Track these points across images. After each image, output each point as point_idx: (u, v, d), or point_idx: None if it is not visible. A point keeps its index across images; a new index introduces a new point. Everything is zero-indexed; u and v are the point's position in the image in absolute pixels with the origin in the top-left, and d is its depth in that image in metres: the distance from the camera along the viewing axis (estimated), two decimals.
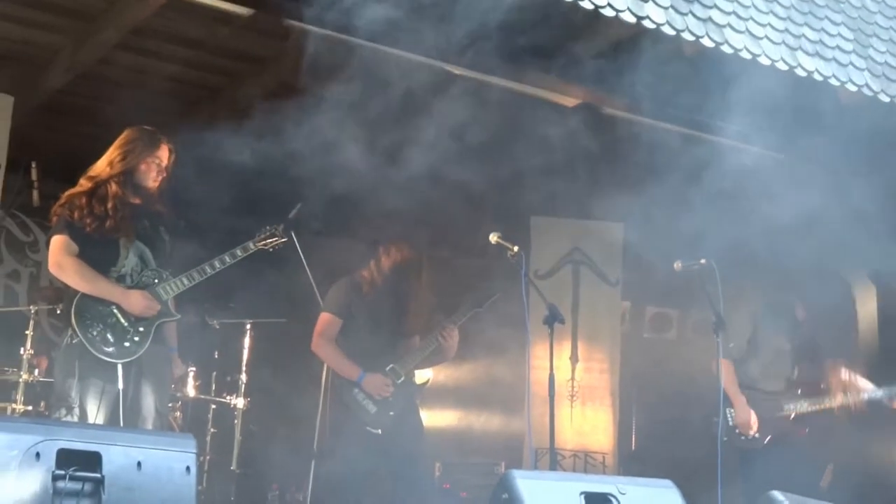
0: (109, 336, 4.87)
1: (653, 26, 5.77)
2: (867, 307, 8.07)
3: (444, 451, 8.56)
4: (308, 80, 6.25)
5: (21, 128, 7.33)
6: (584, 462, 8.71)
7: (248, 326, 7.74)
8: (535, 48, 5.98)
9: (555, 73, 6.22)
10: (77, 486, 3.11)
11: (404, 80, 5.88)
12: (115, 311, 4.89)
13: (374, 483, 5.81)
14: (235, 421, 7.54)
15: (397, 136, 6.11)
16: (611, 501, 3.73)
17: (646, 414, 9.45)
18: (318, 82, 6.10)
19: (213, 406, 7.64)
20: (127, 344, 4.90)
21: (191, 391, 7.42)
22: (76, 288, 4.89)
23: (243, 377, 7.59)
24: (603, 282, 9.23)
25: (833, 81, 6.47)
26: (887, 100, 6.64)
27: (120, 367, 4.82)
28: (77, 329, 4.81)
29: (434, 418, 9.12)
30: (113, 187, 5.02)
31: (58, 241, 4.94)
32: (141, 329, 4.95)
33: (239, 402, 7.55)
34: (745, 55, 6.12)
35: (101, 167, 5.09)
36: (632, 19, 5.68)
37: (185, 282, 5.08)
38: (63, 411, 4.76)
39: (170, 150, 5.21)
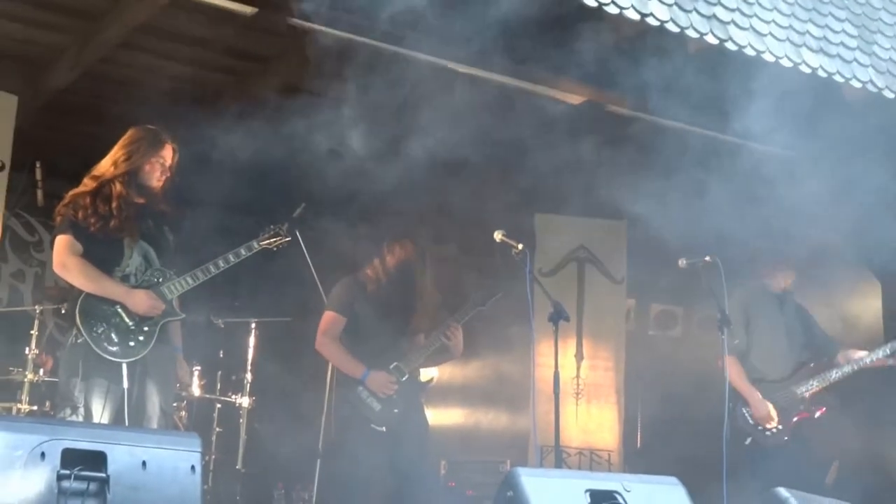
0: (114, 335, 4.87)
1: (657, 23, 5.76)
2: (871, 303, 8.06)
3: (449, 449, 8.56)
4: (312, 78, 6.27)
5: (25, 127, 7.33)
6: (590, 460, 8.71)
7: (253, 325, 7.75)
8: (540, 45, 5.97)
9: (559, 70, 6.21)
10: (82, 485, 3.11)
11: (409, 78, 5.88)
12: (120, 310, 4.90)
13: (379, 481, 5.80)
14: (241, 420, 7.54)
15: (402, 135, 6.11)
16: (616, 499, 3.73)
17: (651, 411, 9.44)
18: (323, 81, 6.10)
19: (219, 405, 7.65)
20: (132, 343, 4.90)
21: (196, 390, 7.42)
22: (81, 287, 4.89)
23: (248, 376, 7.60)
24: (608, 279, 9.23)
25: (837, 78, 6.46)
26: (892, 96, 6.63)
27: (125, 367, 4.83)
28: (82, 328, 4.82)
29: (439, 416, 9.12)
30: (117, 187, 5.02)
31: (62, 241, 4.94)
32: (145, 328, 4.95)
33: (244, 401, 7.55)
34: (750, 52, 6.11)
35: (105, 167, 5.09)
36: (636, 16, 5.67)
37: (190, 281, 5.08)
38: (68, 411, 4.76)
39: (174, 150, 5.21)
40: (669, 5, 5.85)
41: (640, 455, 9.45)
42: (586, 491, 3.71)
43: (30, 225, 8.94)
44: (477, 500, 7.98)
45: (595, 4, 5.54)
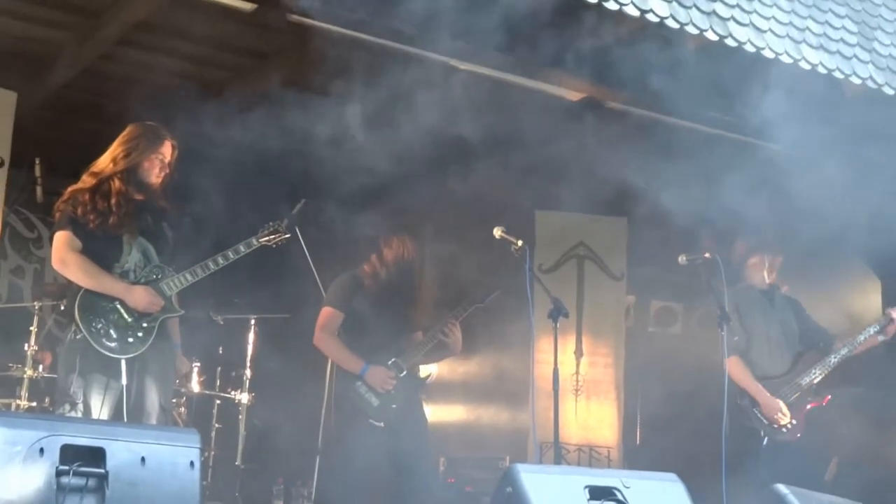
0: (113, 332, 4.86)
1: (656, 20, 5.76)
2: (871, 300, 8.06)
3: (448, 445, 8.58)
4: (312, 74, 6.26)
5: (25, 124, 7.33)
6: (589, 456, 8.72)
7: (253, 322, 7.77)
8: (540, 42, 5.97)
9: (559, 66, 6.20)
10: (81, 481, 3.11)
11: (408, 73, 5.87)
12: (119, 306, 4.89)
13: (377, 476, 5.80)
14: (240, 416, 7.56)
15: (401, 131, 6.10)
16: (615, 495, 3.73)
17: (651, 408, 9.44)
18: (322, 77, 6.10)
19: (218, 401, 7.67)
20: (130, 339, 4.90)
21: (195, 386, 7.44)
22: (80, 284, 4.88)
23: (248, 372, 7.61)
24: (607, 276, 9.24)
25: (837, 74, 6.46)
26: (892, 92, 6.63)
27: (124, 363, 4.82)
28: (80, 325, 4.81)
29: (439, 413, 9.13)
30: (116, 184, 5.01)
31: (61, 237, 4.93)
32: (144, 325, 4.95)
33: (243, 397, 7.57)
34: (749, 48, 6.10)
35: (104, 163, 5.09)
36: (636, 13, 5.67)
37: (189, 278, 5.08)
38: (67, 407, 4.76)
39: (173, 146, 5.21)
40: (669, 2, 5.85)
41: (640, 451, 9.46)
42: (585, 487, 3.70)
43: (29, 221, 8.95)
44: (476, 496, 7.99)
45: (595, 0, 5.54)
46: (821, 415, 6.26)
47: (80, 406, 4.76)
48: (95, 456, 3.17)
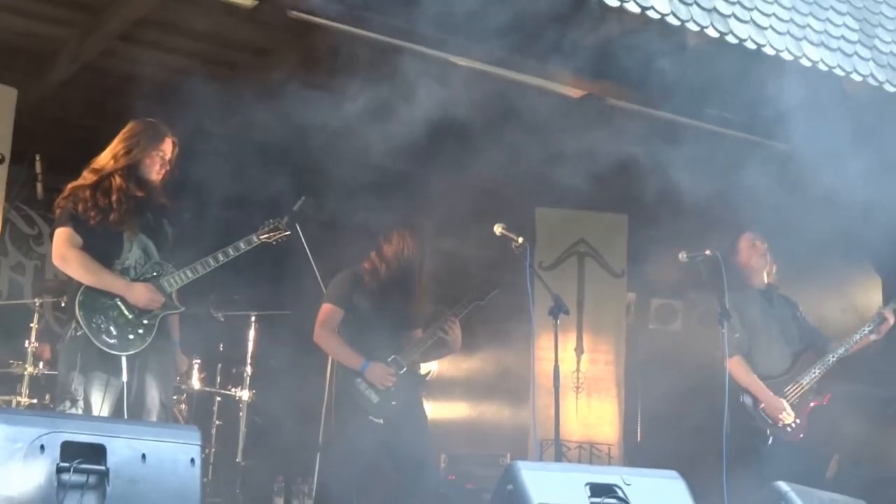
0: (113, 328, 4.86)
1: (657, 16, 5.75)
2: (871, 298, 8.05)
3: (449, 442, 8.57)
4: (312, 70, 6.26)
5: (25, 120, 7.32)
6: (590, 453, 8.72)
7: (253, 319, 7.76)
8: (540, 39, 5.97)
9: (560, 63, 6.20)
10: (82, 478, 3.11)
11: (409, 70, 5.87)
12: (119, 303, 4.89)
13: (377, 473, 5.81)
14: (240, 413, 7.56)
15: (402, 128, 6.10)
16: (616, 492, 3.73)
17: (651, 405, 9.43)
18: (323, 73, 6.10)
19: (218, 398, 7.66)
20: (131, 336, 4.90)
21: (196, 383, 7.44)
22: (80, 280, 4.88)
23: (248, 369, 7.62)
24: (608, 273, 9.23)
25: (838, 72, 6.45)
26: (892, 90, 6.62)
27: (124, 360, 4.82)
28: (81, 321, 4.81)
29: (439, 410, 9.13)
30: (117, 180, 5.01)
31: (62, 234, 4.93)
32: (145, 322, 4.95)
33: (244, 394, 7.57)
34: (750, 45, 6.10)
35: (105, 160, 5.08)
36: (636, 9, 5.66)
37: (189, 274, 5.08)
38: (67, 404, 4.76)
39: (174, 143, 5.21)
40: None
41: (641, 449, 9.45)
42: (586, 484, 3.71)
43: (30, 218, 8.93)
44: (477, 493, 7.99)
45: None
46: (822, 413, 6.25)
47: (81, 403, 4.76)
48: (96, 453, 3.17)
